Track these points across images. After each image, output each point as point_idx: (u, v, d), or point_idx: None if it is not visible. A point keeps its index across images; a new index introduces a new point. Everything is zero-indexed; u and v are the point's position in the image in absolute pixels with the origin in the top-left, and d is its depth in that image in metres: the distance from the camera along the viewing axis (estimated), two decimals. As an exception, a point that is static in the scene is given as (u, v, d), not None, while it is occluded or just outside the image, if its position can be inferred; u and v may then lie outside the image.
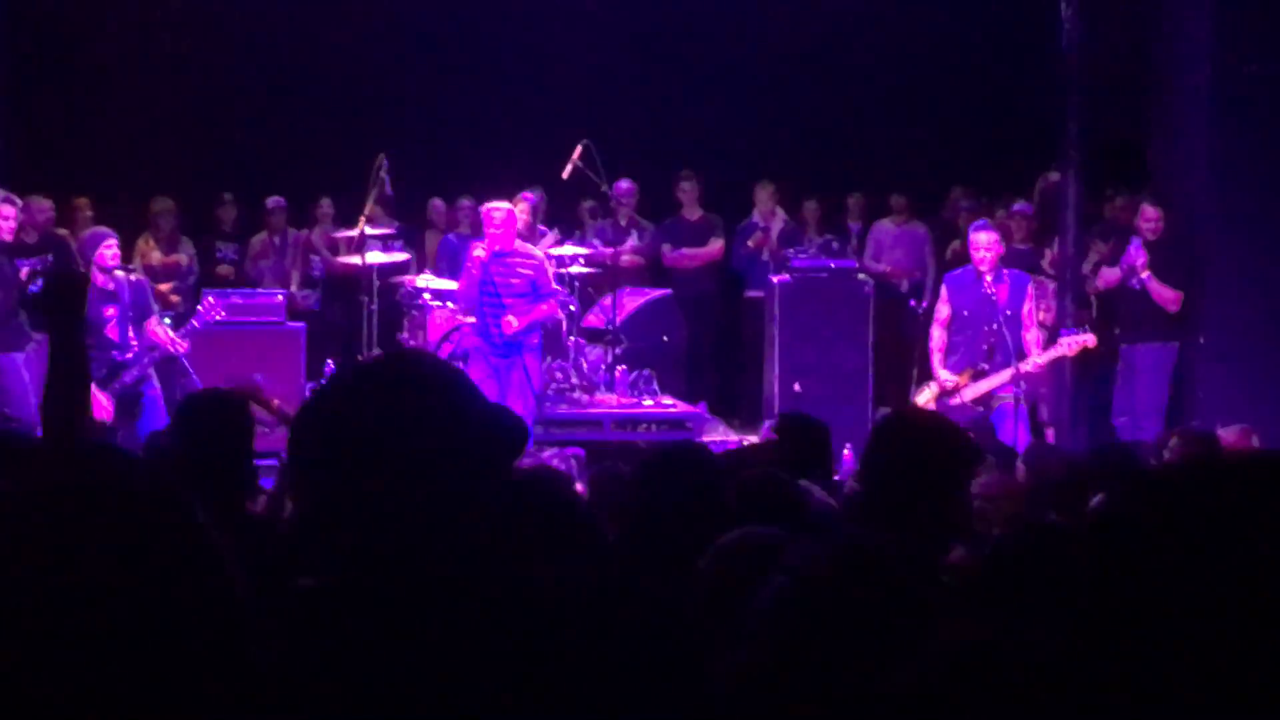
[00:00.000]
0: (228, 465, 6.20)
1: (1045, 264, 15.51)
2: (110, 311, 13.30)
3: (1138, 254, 14.11)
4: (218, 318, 13.73)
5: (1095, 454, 9.56)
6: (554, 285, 14.23)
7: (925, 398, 13.60)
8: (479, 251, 13.68)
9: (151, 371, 13.51)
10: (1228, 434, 10.64)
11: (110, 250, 13.51)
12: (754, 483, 5.96)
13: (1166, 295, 14.04)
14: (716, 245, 17.22)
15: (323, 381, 9.77)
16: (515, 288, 13.67)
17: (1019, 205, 16.26)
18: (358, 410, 2.69)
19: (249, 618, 2.15)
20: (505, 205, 13.98)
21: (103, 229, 13.92)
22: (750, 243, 17.06)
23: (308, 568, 2.72)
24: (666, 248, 17.19)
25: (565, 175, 15.42)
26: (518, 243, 13.89)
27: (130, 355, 13.36)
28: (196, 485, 5.98)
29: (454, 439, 2.70)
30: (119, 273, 13.51)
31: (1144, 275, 14.05)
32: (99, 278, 13.30)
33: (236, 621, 2.14)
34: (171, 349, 13.41)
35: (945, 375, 13.44)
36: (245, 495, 6.56)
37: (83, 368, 5.15)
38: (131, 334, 13.44)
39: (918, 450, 5.21)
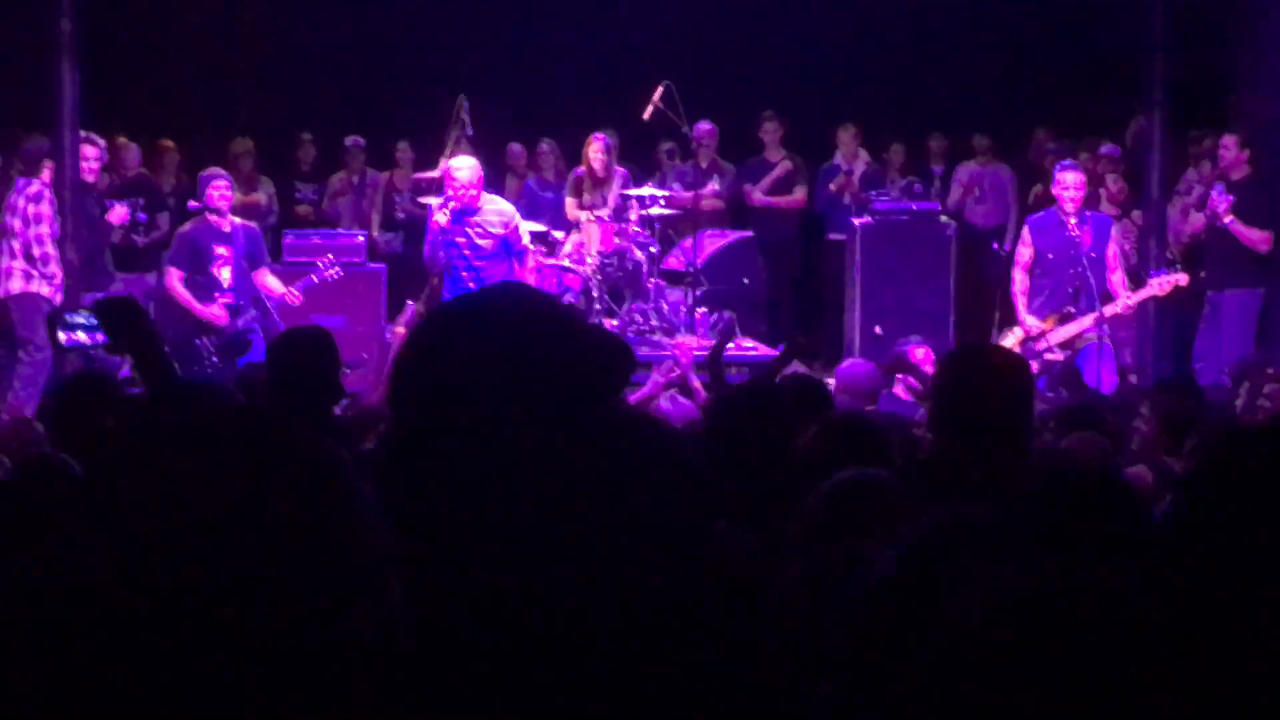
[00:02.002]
0: (317, 399, 6.24)
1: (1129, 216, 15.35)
2: (222, 251, 13.38)
3: (1220, 199, 13.95)
4: (336, 277, 13.73)
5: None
6: (526, 243, 13.77)
7: (1010, 342, 13.49)
8: (440, 216, 13.35)
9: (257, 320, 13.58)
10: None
11: (219, 191, 13.59)
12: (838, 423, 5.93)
13: (1254, 236, 13.87)
14: (801, 193, 17.14)
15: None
16: (484, 250, 13.32)
17: (1106, 147, 16.10)
18: (460, 340, 2.66)
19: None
20: (470, 162, 13.63)
21: (215, 169, 13.95)
22: (833, 186, 16.98)
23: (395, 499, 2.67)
24: (755, 191, 17.09)
25: (646, 116, 15.37)
26: (486, 199, 13.49)
27: (239, 300, 13.41)
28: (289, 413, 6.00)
29: (554, 369, 2.66)
30: (235, 218, 13.58)
31: (1227, 220, 13.87)
32: (212, 217, 13.40)
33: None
34: (289, 300, 13.44)
35: (1031, 321, 13.32)
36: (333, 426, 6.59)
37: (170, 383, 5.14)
38: (243, 281, 13.50)
39: (983, 379, 5.18)
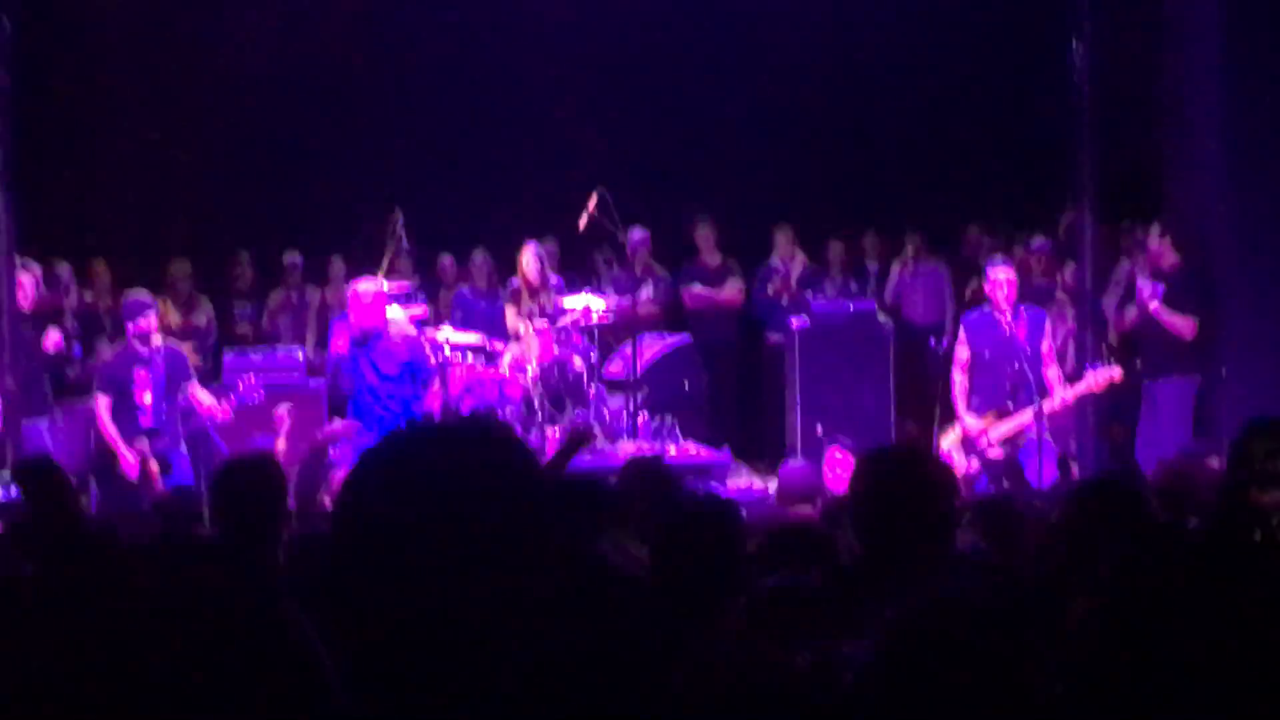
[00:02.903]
0: (263, 529, 6.23)
1: (1058, 292, 15.47)
2: (143, 376, 13.30)
3: (1145, 286, 14.11)
4: (257, 399, 13.66)
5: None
6: (431, 364, 13.97)
7: (950, 440, 13.58)
8: (341, 343, 13.47)
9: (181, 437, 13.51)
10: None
11: (148, 320, 13.49)
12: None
13: (1179, 324, 14.01)
14: (736, 286, 17.22)
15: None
16: (389, 375, 13.51)
17: (1037, 242, 16.23)
18: (414, 473, 2.65)
19: None
20: (372, 283, 13.81)
21: (143, 298, 13.87)
22: (770, 290, 17.01)
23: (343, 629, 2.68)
24: (694, 286, 17.17)
25: (581, 225, 15.43)
26: (392, 323, 13.69)
27: (160, 422, 13.33)
28: (232, 547, 6.01)
29: (495, 511, 2.65)
30: (156, 337, 13.51)
31: (1153, 307, 14.02)
32: (134, 343, 13.34)
33: None
34: (216, 416, 13.38)
35: (970, 421, 13.41)
36: (278, 553, 6.57)
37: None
38: (164, 402, 13.41)
39: (900, 482, 5.18)
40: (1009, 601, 3.65)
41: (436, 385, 13.99)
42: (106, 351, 13.99)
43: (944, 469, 5.46)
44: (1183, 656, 2.48)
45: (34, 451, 13.40)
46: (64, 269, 16.18)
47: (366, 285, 13.65)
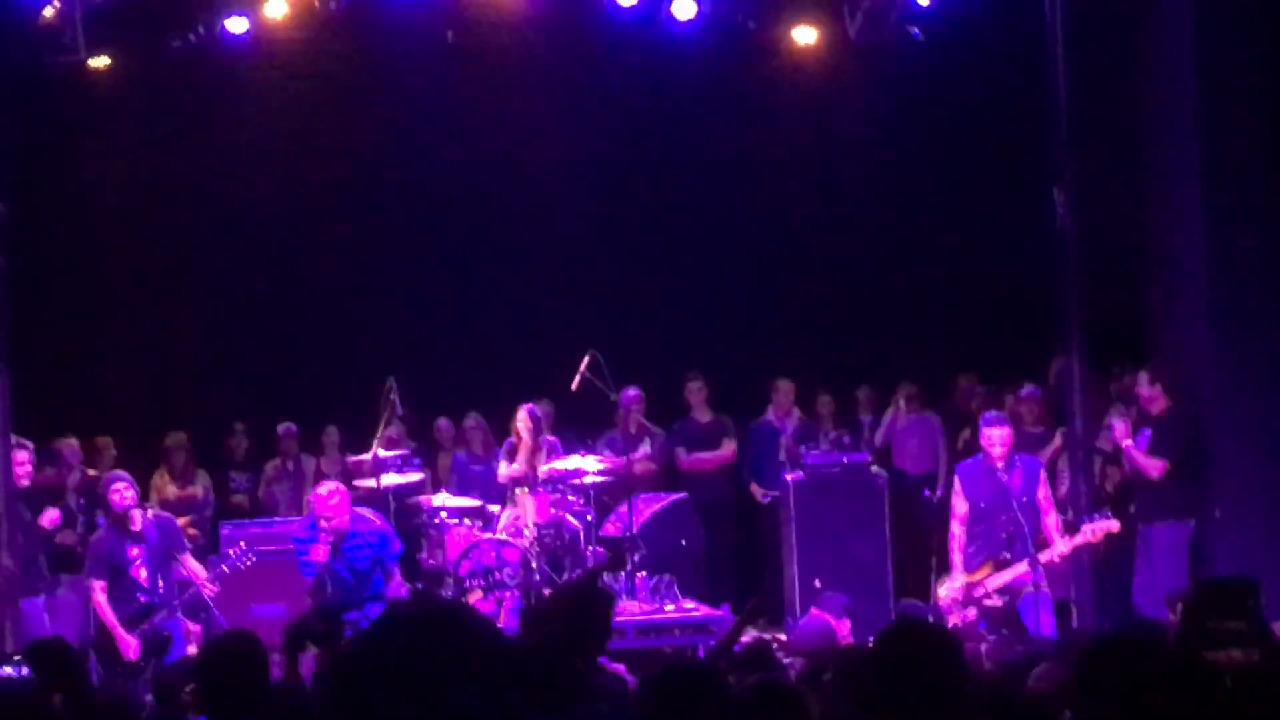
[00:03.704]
0: (248, 712, 6.23)
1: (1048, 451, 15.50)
2: (135, 553, 13.28)
3: (1118, 425, 14.24)
4: (248, 564, 13.65)
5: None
6: (396, 547, 14.13)
7: (948, 591, 13.60)
8: (319, 556, 13.65)
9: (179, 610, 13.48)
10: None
11: (119, 495, 13.43)
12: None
13: (1146, 464, 14.11)
14: (729, 448, 17.29)
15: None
16: (363, 570, 13.72)
17: (1027, 389, 16.31)
18: (398, 659, 2.76)
19: None
20: (331, 486, 13.96)
21: (114, 473, 13.89)
22: (781, 456, 16.94)
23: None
24: (680, 451, 17.25)
25: (574, 387, 15.50)
26: (356, 518, 13.83)
27: (158, 597, 13.31)
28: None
29: (484, 690, 2.75)
30: (138, 513, 13.46)
31: (1125, 445, 14.14)
32: (120, 520, 13.32)
33: None
34: (204, 591, 13.37)
35: (958, 579, 13.45)
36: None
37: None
38: (159, 575, 13.40)
39: (913, 663, 5.19)
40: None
41: (398, 577, 14.23)
42: (97, 533, 13.98)
43: (959, 651, 5.47)
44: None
45: (38, 631, 13.42)
46: (67, 445, 16.22)
47: (325, 488, 13.79)
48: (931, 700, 5.06)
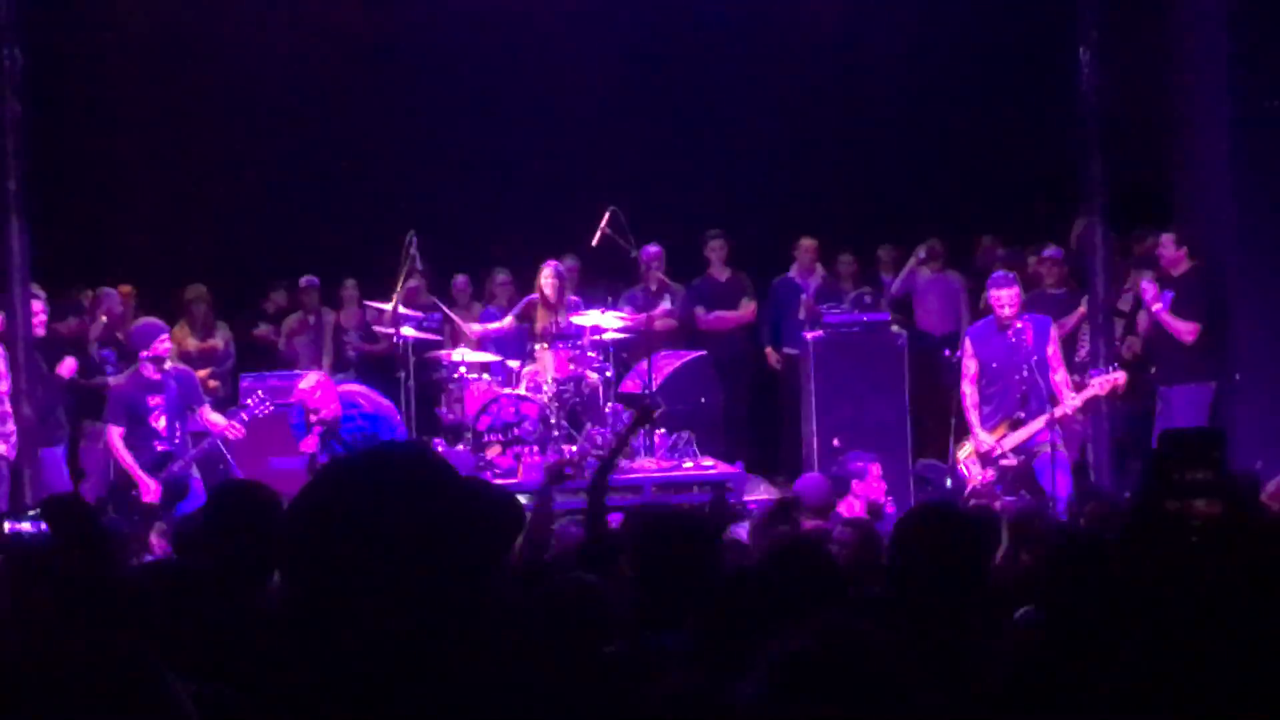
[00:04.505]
0: (254, 554, 6.24)
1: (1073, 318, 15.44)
2: (155, 401, 13.34)
3: (1148, 288, 14.17)
4: (267, 411, 13.70)
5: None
6: (395, 421, 14.08)
7: (966, 452, 13.64)
8: (308, 448, 13.63)
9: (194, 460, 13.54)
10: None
11: (164, 345, 13.59)
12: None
13: (1180, 327, 14.05)
14: (749, 307, 17.23)
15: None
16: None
17: (1049, 250, 16.24)
18: (348, 505, 2.74)
19: None
20: (313, 379, 13.87)
21: (155, 322, 13.92)
22: (801, 314, 16.88)
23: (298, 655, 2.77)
24: (700, 310, 17.20)
25: (594, 243, 15.47)
26: (345, 399, 13.79)
27: (175, 445, 13.38)
28: (223, 571, 6.06)
29: (442, 529, 2.74)
30: (167, 364, 13.55)
31: (1155, 309, 14.10)
32: (147, 368, 13.38)
33: None
34: (230, 434, 13.42)
35: (982, 436, 13.48)
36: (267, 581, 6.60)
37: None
38: (178, 425, 13.47)
39: (938, 549, 5.20)
40: (898, 635, 3.72)
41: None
42: (118, 378, 14.03)
43: (987, 531, 5.49)
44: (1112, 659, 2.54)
45: (57, 481, 13.52)
46: (105, 294, 16.28)
47: (307, 381, 13.74)
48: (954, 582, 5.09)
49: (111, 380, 14.24)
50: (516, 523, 3.14)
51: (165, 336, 13.63)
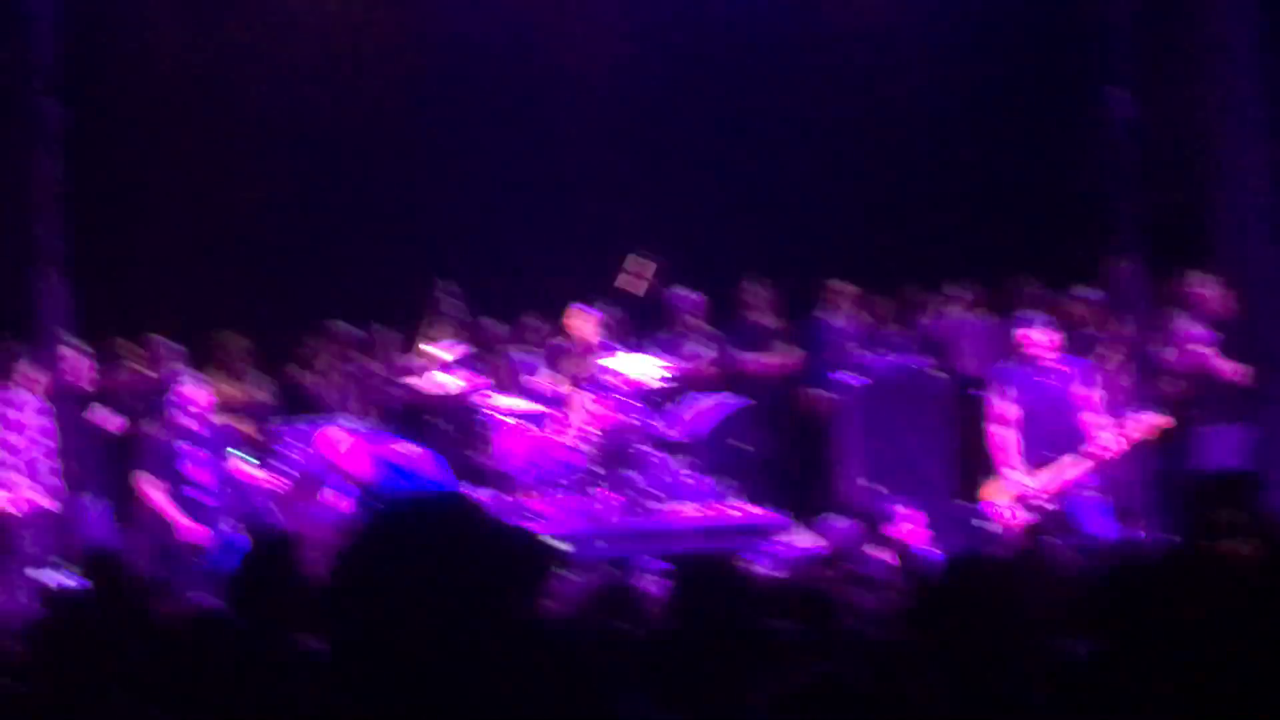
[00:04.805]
0: (286, 606, 6.25)
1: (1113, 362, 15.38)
2: (193, 452, 13.38)
3: (1189, 332, 14.11)
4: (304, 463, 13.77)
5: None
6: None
7: (1005, 495, 13.57)
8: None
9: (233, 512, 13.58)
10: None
11: (198, 396, 13.62)
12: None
13: (1224, 369, 13.99)
14: (790, 353, 17.19)
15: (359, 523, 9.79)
16: None
17: (1088, 292, 16.19)
18: (391, 556, 2.84)
19: None
20: (337, 433, 13.89)
21: (191, 373, 14.04)
22: (840, 361, 16.81)
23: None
24: (741, 354, 17.17)
25: (631, 288, 15.47)
26: (369, 459, 13.82)
27: (219, 500, 13.41)
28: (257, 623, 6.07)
29: (478, 577, 2.83)
30: (205, 415, 13.61)
31: (1201, 354, 14.04)
32: (183, 419, 13.43)
33: None
34: (264, 485, 13.47)
35: (1020, 478, 13.42)
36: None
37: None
38: (219, 478, 13.51)
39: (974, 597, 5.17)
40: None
41: None
42: (156, 429, 14.09)
43: (1020, 583, 5.43)
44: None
45: (100, 534, 13.57)
46: (150, 343, 16.41)
47: (333, 441, 13.74)
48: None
49: (154, 430, 14.29)
50: (545, 570, 3.16)
51: (198, 389, 13.67)
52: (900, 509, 12.52)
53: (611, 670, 5.19)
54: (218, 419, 14.03)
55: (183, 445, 13.38)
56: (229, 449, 13.67)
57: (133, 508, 14.95)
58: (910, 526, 12.27)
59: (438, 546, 2.86)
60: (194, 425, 13.44)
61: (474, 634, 2.80)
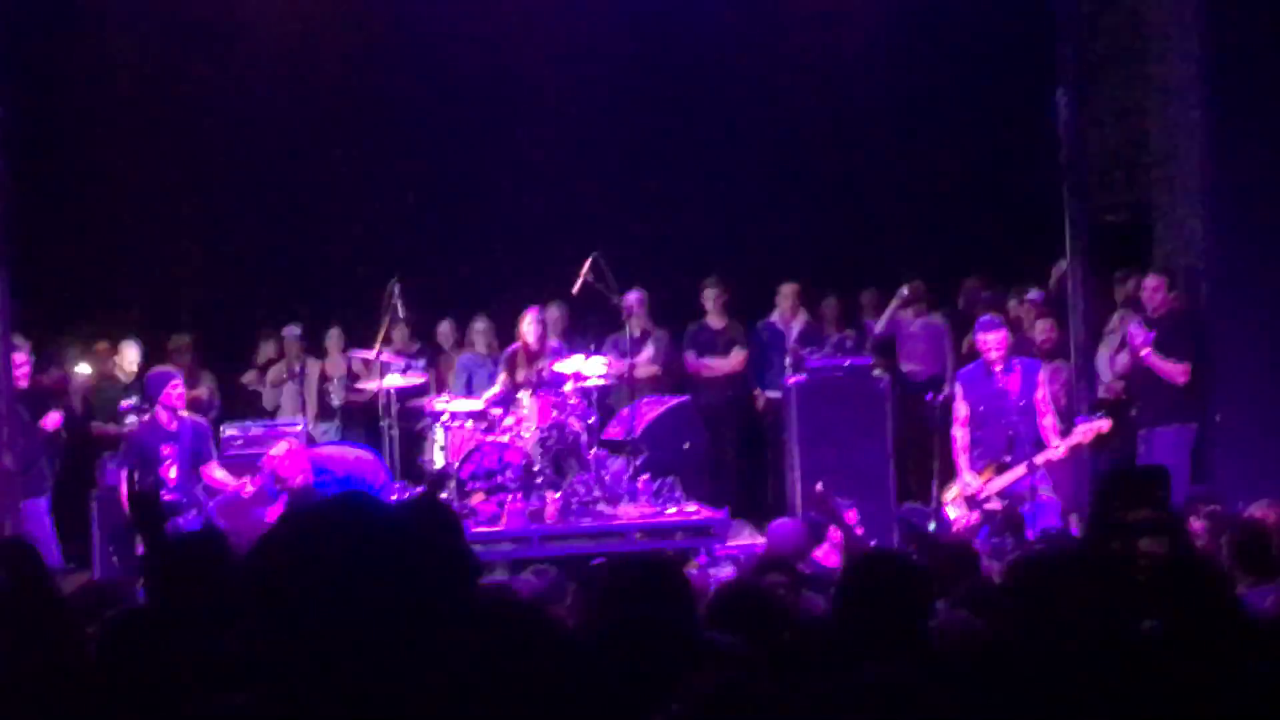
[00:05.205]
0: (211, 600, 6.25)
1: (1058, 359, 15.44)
2: (168, 451, 13.38)
3: (1137, 332, 14.17)
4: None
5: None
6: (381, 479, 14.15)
7: (952, 495, 13.61)
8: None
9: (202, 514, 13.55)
10: (1259, 510, 10.45)
11: (176, 390, 13.63)
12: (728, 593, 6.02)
13: (1171, 369, 14.07)
14: (739, 356, 17.20)
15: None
16: None
17: (1032, 294, 16.26)
18: (307, 553, 2.84)
19: None
20: (280, 444, 13.86)
21: (169, 369, 14.06)
22: (787, 364, 16.83)
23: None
24: (690, 356, 17.19)
25: (576, 290, 15.49)
26: (316, 466, 13.76)
27: (185, 496, 13.39)
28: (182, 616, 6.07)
29: (395, 580, 2.85)
30: (184, 414, 13.61)
31: (1144, 354, 14.10)
32: (162, 416, 13.43)
33: None
34: (243, 492, 13.46)
35: (968, 478, 13.46)
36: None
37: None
38: (188, 475, 13.49)
39: (878, 591, 5.24)
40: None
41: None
42: (133, 424, 14.09)
43: (927, 582, 5.55)
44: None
45: (39, 532, 13.53)
46: (101, 348, 16.39)
47: (277, 449, 13.71)
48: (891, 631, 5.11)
49: (127, 428, 14.28)
50: (468, 572, 3.18)
51: (176, 383, 13.67)
52: (844, 509, 12.55)
53: (533, 669, 5.17)
54: (199, 421, 14.05)
55: (160, 443, 13.37)
56: (202, 453, 13.67)
57: (80, 503, 14.96)
58: (852, 527, 12.30)
59: (334, 550, 2.87)
60: (172, 423, 13.44)
61: (371, 631, 2.82)
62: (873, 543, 12.73)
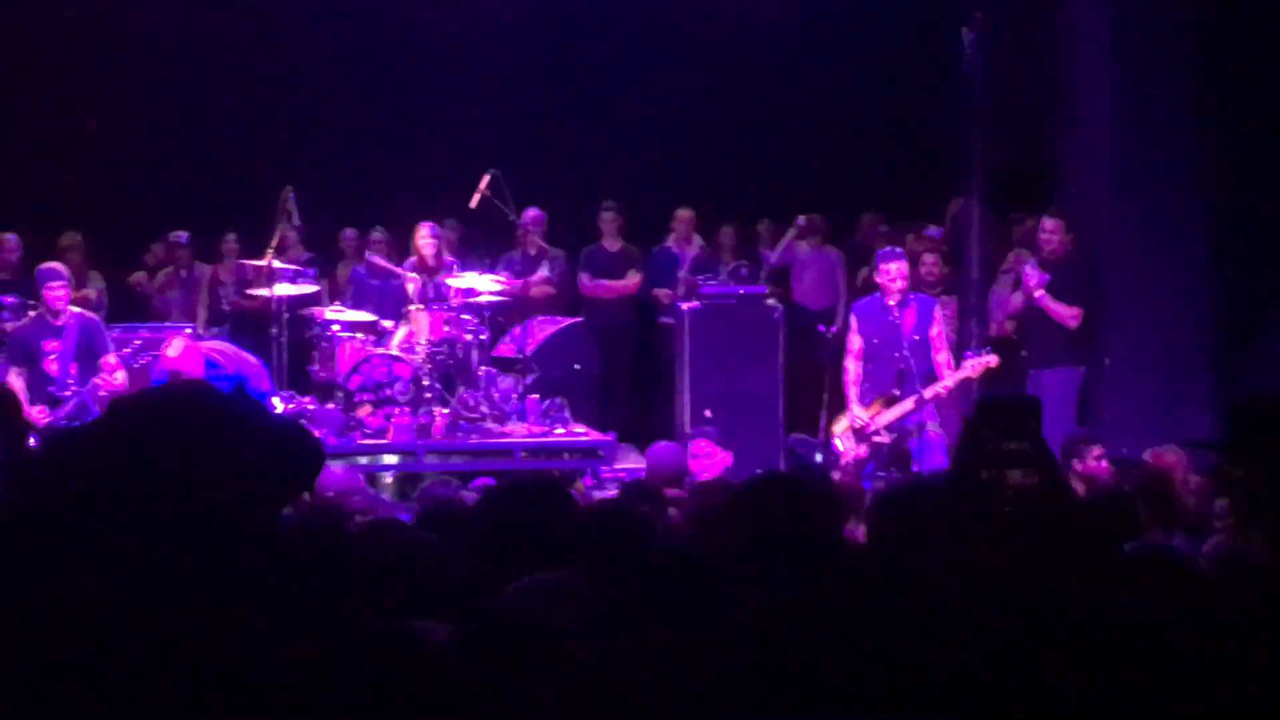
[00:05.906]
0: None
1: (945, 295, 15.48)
2: (51, 346, 13.38)
3: (1032, 274, 14.23)
4: (140, 364, 13.73)
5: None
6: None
7: (841, 428, 13.63)
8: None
9: (91, 406, 13.48)
10: (1162, 456, 10.48)
11: (55, 290, 13.66)
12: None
13: (1063, 312, 14.14)
14: (635, 279, 17.15)
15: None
16: None
17: (929, 230, 16.29)
18: (118, 444, 2.72)
19: None
20: (176, 343, 13.76)
21: (53, 267, 14.05)
22: (680, 291, 16.79)
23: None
24: (585, 278, 17.12)
25: (473, 205, 15.39)
26: (208, 363, 13.71)
27: (68, 391, 13.36)
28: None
29: (222, 470, 2.72)
30: (73, 309, 13.57)
31: (1038, 295, 14.16)
32: (45, 313, 13.42)
33: None
34: (114, 385, 13.41)
35: (857, 411, 13.47)
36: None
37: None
38: (73, 371, 13.45)
39: (777, 513, 5.20)
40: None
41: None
42: (19, 322, 14.03)
43: (834, 502, 5.50)
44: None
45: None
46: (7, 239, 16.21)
47: (173, 349, 13.62)
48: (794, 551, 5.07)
49: (10, 325, 14.21)
50: (310, 467, 3.10)
51: (56, 284, 13.64)
52: (726, 436, 12.56)
53: (402, 581, 5.11)
54: (88, 316, 14.02)
55: (43, 339, 13.36)
56: (97, 347, 13.64)
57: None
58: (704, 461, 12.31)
59: (166, 436, 2.77)
60: (56, 320, 13.43)
61: (195, 527, 2.72)
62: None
